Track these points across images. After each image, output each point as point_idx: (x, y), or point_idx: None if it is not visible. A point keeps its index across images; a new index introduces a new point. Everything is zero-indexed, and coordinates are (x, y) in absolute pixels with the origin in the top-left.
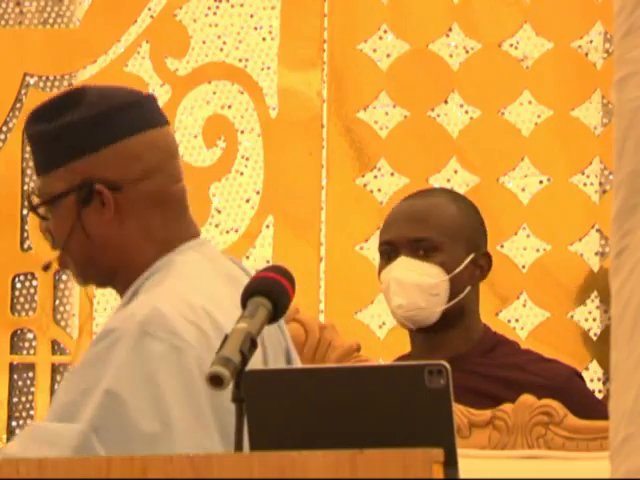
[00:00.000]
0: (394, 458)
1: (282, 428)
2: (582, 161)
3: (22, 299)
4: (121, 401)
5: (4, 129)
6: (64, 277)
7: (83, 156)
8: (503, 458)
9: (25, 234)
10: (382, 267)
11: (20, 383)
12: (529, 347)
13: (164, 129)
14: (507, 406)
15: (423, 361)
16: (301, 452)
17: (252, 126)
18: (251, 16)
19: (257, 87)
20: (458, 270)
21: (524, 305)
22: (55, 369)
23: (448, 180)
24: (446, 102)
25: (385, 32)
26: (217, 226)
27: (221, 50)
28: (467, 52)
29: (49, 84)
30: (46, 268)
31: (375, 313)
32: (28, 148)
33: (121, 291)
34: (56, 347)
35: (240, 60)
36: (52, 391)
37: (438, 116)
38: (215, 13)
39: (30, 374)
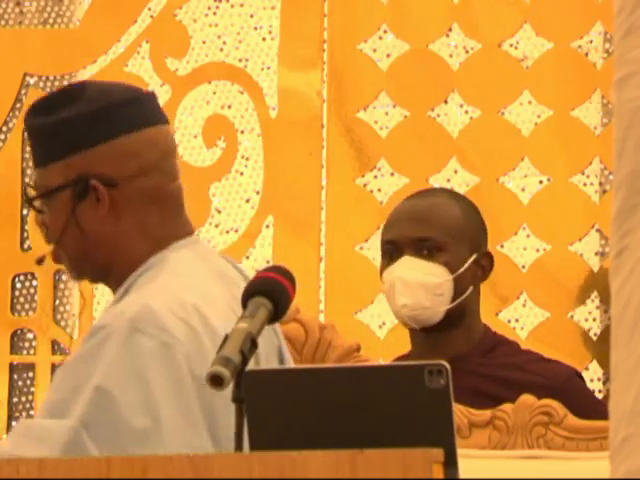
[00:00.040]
0: (394, 458)
1: (282, 428)
2: (582, 161)
3: (22, 299)
4: (111, 397)
5: (4, 129)
6: (64, 277)
7: (80, 151)
8: (503, 458)
9: (25, 234)
10: (384, 267)
11: (20, 383)
12: (529, 347)
13: (163, 127)
14: (507, 406)
15: (423, 361)
16: (301, 452)
17: (252, 126)
18: (251, 16)
19: (257, 87)
20: (462, 270)
21: (524, 305)
22: (55, 369)
23: (448, 180)
24: (446, 102)
25: (385, 32)
26: (217, 226)
27: (221, 50)
28: (467, 52)
29: (49, 84)
30: (40, 262)
31: (375, 313)
32: (28, 148)
33: (114, 287)
34: (56, 347)
35: (240, 60)
36: None
37: (438, 116)
38: (215, 13)
39: (30, 374)
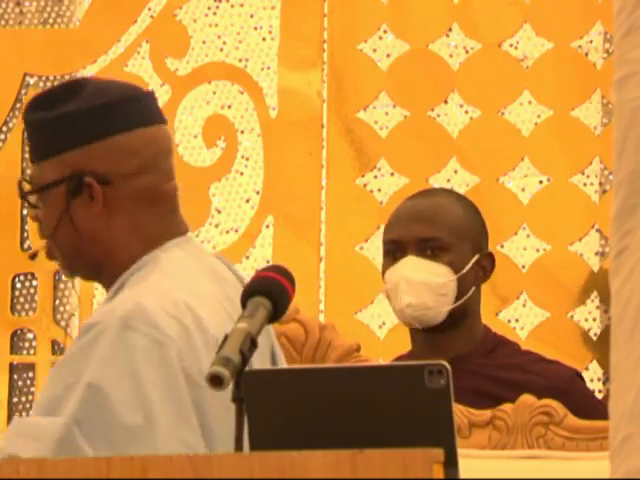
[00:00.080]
0: (394, 458)
1: (282, 428)
2: (582, 161)
3: (22, 299)
4: (103, 394)
5: (4, 129)
6: (64, 277)
7: (77, 147)
8: (503, 458)
9: (25, 234)
10: (387, 266)
11: (20, 383)
12: (529, 347)
13: (161, 127)
14: (507, 406)
15: (423, 361)
16: (301, 452)
17: (252, 126)
18: (251, 16)
19: (257, 87)
20: (465, 270)
21: (524, 305)
22: None
23: (448, 180)
24: (446, 102)
25: (385, 32)
26: (217, 226)
27: (221, 50)
28: (467, 52)
29: (49, 84)
30: (33, 257)
31: (375, 313)
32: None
33: (107, 286)
34: (56, 347)
35: (240, 60)
36: None
37: (438, 116)
38: (215, 13)
39: (30, 374)
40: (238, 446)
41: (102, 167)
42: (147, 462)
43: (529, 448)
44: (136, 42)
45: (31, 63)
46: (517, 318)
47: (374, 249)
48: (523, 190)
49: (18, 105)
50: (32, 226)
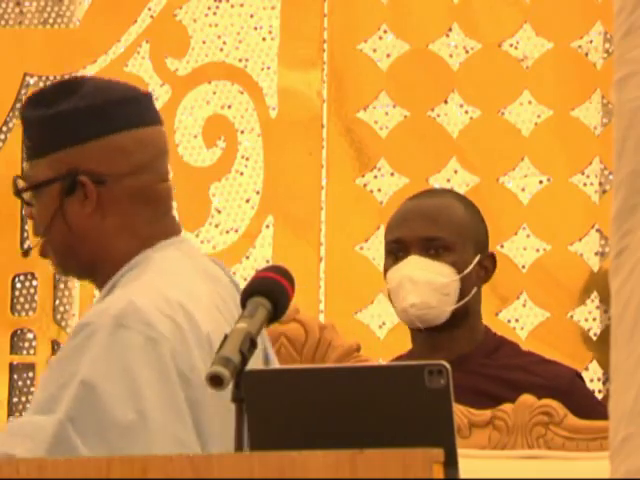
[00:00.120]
0: (394, 458)
1: (282, 428)
2: (582, 161)
3: (22, 299)
4: (96, 392)
5: (4, 129)
6: (64, 277)
7: (72, 146)
8: (503, 458)
9: (25, 234)
10: (389, 266)
11: (20, 383)
12: (529, 347)
13: (157, 128)
14: (507, 406)
15: (423, 361)
16: (301, 452)
17: (252, 126)
18: (251, 16)
19: (257, 87)
20: (468, 270)
21: (524, 305)
22: None
23: (448, 180)
24: (446, 102)
25: (385, 32)
26: (217, 226)
27: (221, 50)
28: (467, 52)
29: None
30: (26, 254)
31: (375, 313)
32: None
33: (100, 285)
34: (56, 347)
35: (240, 60)
36: None
37: (438, 116)
38: (215, 13)
39: (30, 374)
40: (238, 446)
41: (97, 166)
42: (147, 462)
43: (529, 448)
44: (136, 42)
45: (31, 63)
46: (517, 318)
47: (374, 249)
48: (523, 190)
49: (18, 105)
50: (32, 226)
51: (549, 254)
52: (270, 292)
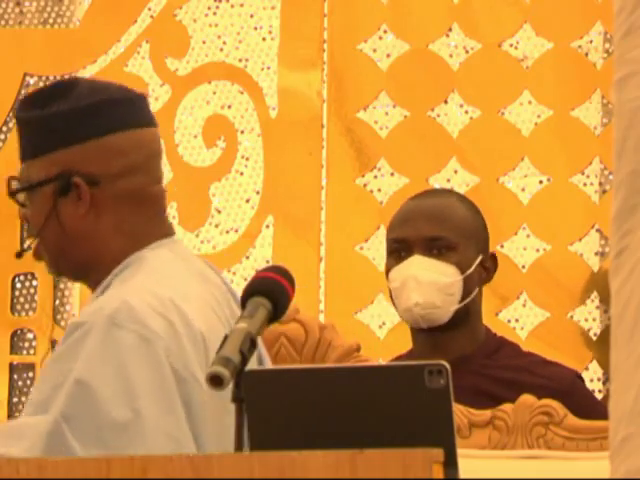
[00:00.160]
0: (394, 458)
1: (282, 428)
2: (582, 161)
3: (22, 299)
4: (91, 390)
5: (4, 129)
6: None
7: (66, 146)
8: (503, 458)
9: (25, 234)
10: (392, 265)
11: (20, 383)
12: (529, 347)
13: (152, 130)
14: (507, 406)
15: (423, 361)
16: (301, 452)
17: (252, 126)
18: (251, 16)
19: (257, 87)
20: (471, 270)
21: (524, 305)
22: None
23: (448, 180)
24: (446, 102)
25: (385, 32)
26: (217, 226)
27: (221, 50)
28: (467, 52)
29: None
30: (19, 255)
31: (375, 313)
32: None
33: (93, 286)
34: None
35: (240, 60)
36: None
37: (438, 116)
38: (215, 13)
39: (30, 374)
40: (238, 446)
41: (91, 167)
42: (147, 462)
43: (529, 448)
44: (136, 42)
45: (31, 63)
46: (517, 318)
47: (374, 249)
48: (523, 190)
49: None
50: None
51: (549, 254)
52: (270, 292)
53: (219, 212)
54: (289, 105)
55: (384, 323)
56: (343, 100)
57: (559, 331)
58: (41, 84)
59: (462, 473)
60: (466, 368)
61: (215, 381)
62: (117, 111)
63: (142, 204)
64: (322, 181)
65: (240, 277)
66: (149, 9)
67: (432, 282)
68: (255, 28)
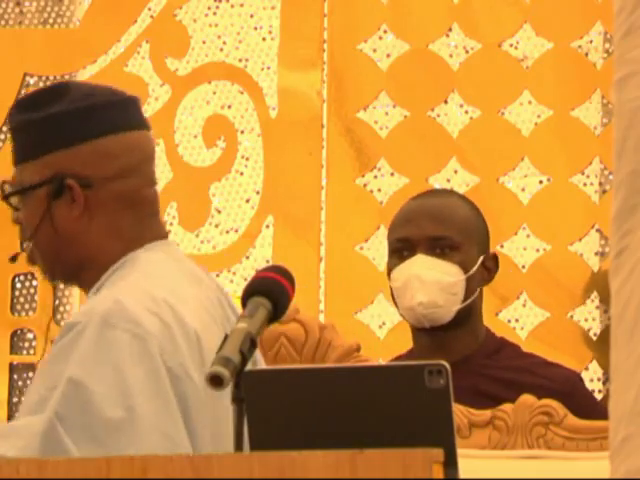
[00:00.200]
0: (394, 458)
1: (282, 428)
2: (582, 161)
3: (22, 299)
4: (85, 389)
5: (4, 129)
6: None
7: (59, 149)
8: (503, 458)
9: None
10: (394, 264)
11: (20, 383)
12: (529, 347)
13: (144, 133)
14: (507, 406)
15: (423, 361)
16: (301, 452)
17: (252, 126)
18: (251, 16)
19: (257, 87)
20: (473, 270)
21: (524, 305)
22: None
23: (448, 180)
24: (446, 102)
25: (385, 32)
26: (217, 226)
27: (221, 50)
28: (467, 52)
29: (49, 84)
30: (13, 259)
31: (375, 313)
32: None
33: (87, 289)
34: None
35: (240, 60)
36: None
37: (438, 116)
38: (215, 13)
39: (30, 374)
40: (238, 446)
41: (84, 170)
42: (147, 462)
43: (529, 448)
44: (136, 42)
45: (31, 63)
46: (517, 318)
47: (374, 249)
48: (523, 190)
49: None
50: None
51: (549, 254)
52: (270, 292)
53: (219, 212)
54: (289, 105)
55: (384, 323)
56: (343, 100)
57: (559, 331)
58: (41, 84)
59: (462, 473)
60: (466, 368)
61: (215, 381)
62: (110, 114)
63: (135, 206)
64: (322, 181)
65: (240, 277)
66: (149, 9)
67: (435, 281)
68: (255, 28)
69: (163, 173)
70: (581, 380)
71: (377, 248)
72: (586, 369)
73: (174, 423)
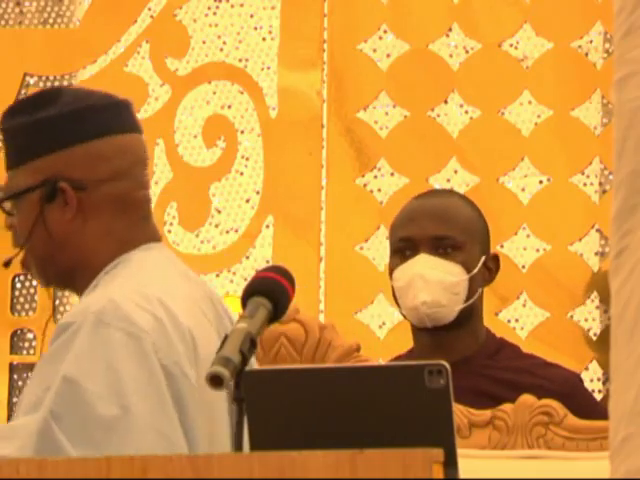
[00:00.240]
0: (394, 458)
1: (282, 428)
2: (582, 161)
3: (22, 299)
4: (79, 388)
5: None
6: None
7: (51, 153)
8: (503, 458)
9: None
10: (397, 264)
11: (20, 383)
12: (529, 347)
13: (136, 136)
14: (507, 406)
15: (423, 361)
16: (301, 452)
17: (252, 126)
18: (251, 16)
19: (257, 87)
20: (475, 270)
21: (524, 305)
22: None
23: (448, 180)
24: (446, 102)
25: (385, 32)
26: (217, 226)
27: (221, 50)
28: (467, 52)
29: (49, 84)
30: (7, 264)
31: (375, 313)
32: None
33: (80, 292)
34: None
35: (240, 60)
36: None
37: (438, 116)
38: (215, 13)
39: (30, 374)
40: (238, 446)
41: (76, 172)
42: (147, 462)
43: (529, 448)
44: (136, 42)
45: (31, 63)
46: (517, 318)
47: (374, 249)
48: (523, 190)
49: None
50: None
51: (549, 254)
52: (270, 292)
53: (219, 212)
54: (289, 105)
55: (384, 323)
56: (343, 100)
57: (559, 331)
58: (41, 84)
59: (462, 473)
60: (467, 369)
61: (215, 381)
62: (101, 117)
63: (127, 209)
64: (322, 181)
65: (240, 277)
66: (149, 9)
67: (438, 281)
68: (255, 28)
69: (163, 173)
70: (581, 381)
71: (377, 248)
72: (586, 369)
73: (169, 421)
